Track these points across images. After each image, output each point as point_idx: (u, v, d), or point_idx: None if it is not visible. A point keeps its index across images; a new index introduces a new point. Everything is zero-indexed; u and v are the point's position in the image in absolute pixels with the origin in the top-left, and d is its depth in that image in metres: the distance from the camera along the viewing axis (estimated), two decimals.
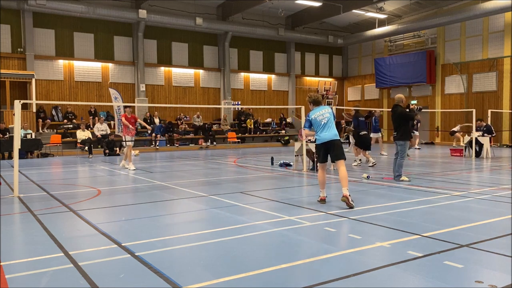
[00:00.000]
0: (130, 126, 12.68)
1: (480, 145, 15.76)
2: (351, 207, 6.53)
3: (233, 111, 27.11)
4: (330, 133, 6.94)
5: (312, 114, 7.11)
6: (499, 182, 9.44)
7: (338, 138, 7.03)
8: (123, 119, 12.77)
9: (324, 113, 7.03)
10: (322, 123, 6.96)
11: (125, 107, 13.72)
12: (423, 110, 11.16)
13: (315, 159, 11.84)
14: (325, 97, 28.75)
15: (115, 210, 6.98)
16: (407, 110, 9.78)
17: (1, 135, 16.86)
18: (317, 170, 11.66)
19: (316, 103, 7.18)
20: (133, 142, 13.20)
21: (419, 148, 20.58)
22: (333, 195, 8.34)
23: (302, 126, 7.75)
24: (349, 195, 6.62)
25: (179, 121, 24.40)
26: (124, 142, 13.27)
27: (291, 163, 12.99)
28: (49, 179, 11.03)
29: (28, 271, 3.94)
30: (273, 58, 28.68)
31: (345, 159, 6.99)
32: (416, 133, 19.49)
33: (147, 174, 11.58)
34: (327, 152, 7.01)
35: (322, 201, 7.00)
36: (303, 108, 12.15)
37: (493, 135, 16.42)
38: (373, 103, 29.28)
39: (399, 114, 9.70)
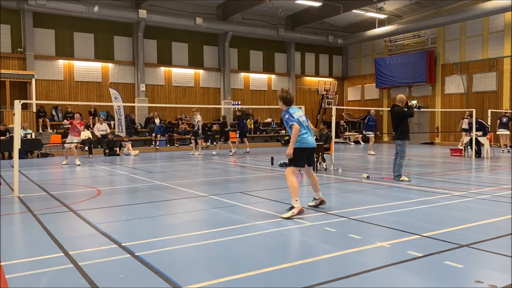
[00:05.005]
0: (78, 129, 14.60)
1: (478, 145, 15.68)
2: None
3: (233, 111, 27.11)
4: (313, 138, 6.40)
5: (293, 112, 6.22)
6: (499, 182, 9.44)
7: None
8: (74, 122, 14.58)
9: (302, 114, 6.37)
10: (305, 125, 6.27)
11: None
12: (422, 109, 11.17)
13: (315, 159, 11.81)
14: (325, 97, 28.74)
15: (115, 210, 6.98)
16: (406, 107, 9.79)
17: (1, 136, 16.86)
18: (317, 170, 11.70)
19: (288, 103, 6.29)
20: (75, 143, 14.79)
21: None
22: (333, 195, 8.34)
23: (288, 125, 6.19)
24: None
25: (179, 121, 24.40)
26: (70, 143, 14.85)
27: None
28: (49, 179, 11.03)
29: (28, 271, 3.94)
30: (273, 58, 28.68)
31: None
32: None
33: (147, 174, 11.58)
34: (308, 157, 6.34)
35: (302, 212, 5.97)
36: (303, 108, 12.14)
37: (485, 134, 16.08)
38: (373, 103, 29.28)
39: (396, 113, 9.70)
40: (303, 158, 6.22)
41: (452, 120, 24.45)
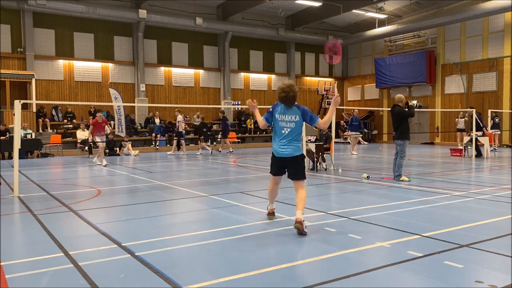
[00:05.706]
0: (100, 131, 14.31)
1: (477, 145, 15.59)
2: (304, 234, 5.10)
3: (233, 111, 27.12)
4: (292, 148, 5.41)
5: (277, 112, 5.56)
6: (499, 182, 9.44)
7: (300, 153, 5.48)
8: (92, 124, 14.34)
9: (290, 120, 5.44)
10: (284, 131, 5.44)
11: (95, 112, 15.37)
12: (421, 109, 11.26)
13: (315, 159, 11.84)
14: (325, 97, 28.72)
15: (115, 210, 6.98)
16: (406, 107, 9.79)
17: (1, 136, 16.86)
18: (317, 170, 11.71)
19: (282, 101, 5.47)
20: (104, 142, 14.63)
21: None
22: (333, 195, 8.35)
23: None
24: (303, 220, 5.18)
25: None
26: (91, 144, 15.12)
27: None
28: (49, 179, 11.03)
29: (28, 271, 3.94)
30: (273, 58, 28.68)
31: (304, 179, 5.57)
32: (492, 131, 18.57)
33: (147, 174, 11.58)
34: (285, 167, 5.61)
35: (270, 214, 5.97)
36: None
37: (483, 134, 16.13)
38: (373, 103, 29.29)
39: (396, 113, 9.70)
40: (274, 165, 5.71)
41: (452, 120, 24.41)
